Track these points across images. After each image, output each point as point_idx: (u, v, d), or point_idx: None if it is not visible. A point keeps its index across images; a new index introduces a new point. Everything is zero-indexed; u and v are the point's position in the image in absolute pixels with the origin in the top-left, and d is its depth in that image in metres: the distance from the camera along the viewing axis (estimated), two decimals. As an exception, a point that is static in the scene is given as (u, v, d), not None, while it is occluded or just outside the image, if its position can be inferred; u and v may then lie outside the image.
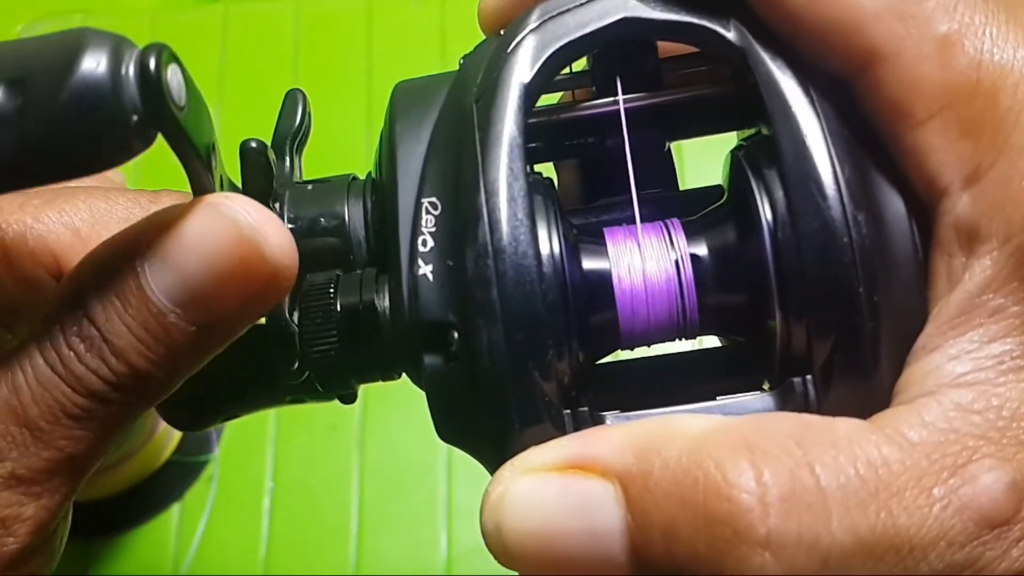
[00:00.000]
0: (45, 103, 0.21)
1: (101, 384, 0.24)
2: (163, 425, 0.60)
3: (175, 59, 0.23)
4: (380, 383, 0.29)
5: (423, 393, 0.27)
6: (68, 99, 0.21)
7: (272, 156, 0.28)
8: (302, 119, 0.30)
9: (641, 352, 0.28)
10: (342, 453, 0.64)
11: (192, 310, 0.24)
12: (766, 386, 0.26)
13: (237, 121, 0.72)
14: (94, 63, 0.21)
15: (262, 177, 0.27)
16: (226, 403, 0.29)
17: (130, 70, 0.22)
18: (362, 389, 0.29)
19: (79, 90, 0.21)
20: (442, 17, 0.77)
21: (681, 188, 0.30)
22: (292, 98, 0.30)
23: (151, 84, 0.22)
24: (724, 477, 0.21)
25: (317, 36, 0.78)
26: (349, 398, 0.29)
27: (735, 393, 0.25)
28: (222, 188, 0.26)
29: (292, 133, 0.30)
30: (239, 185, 0.28)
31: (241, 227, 0.24)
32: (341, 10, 0.79)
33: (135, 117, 0.22)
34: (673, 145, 0.30)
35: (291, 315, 0.27)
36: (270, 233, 0.24)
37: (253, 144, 0.26)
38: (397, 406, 0.64)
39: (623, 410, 0.26)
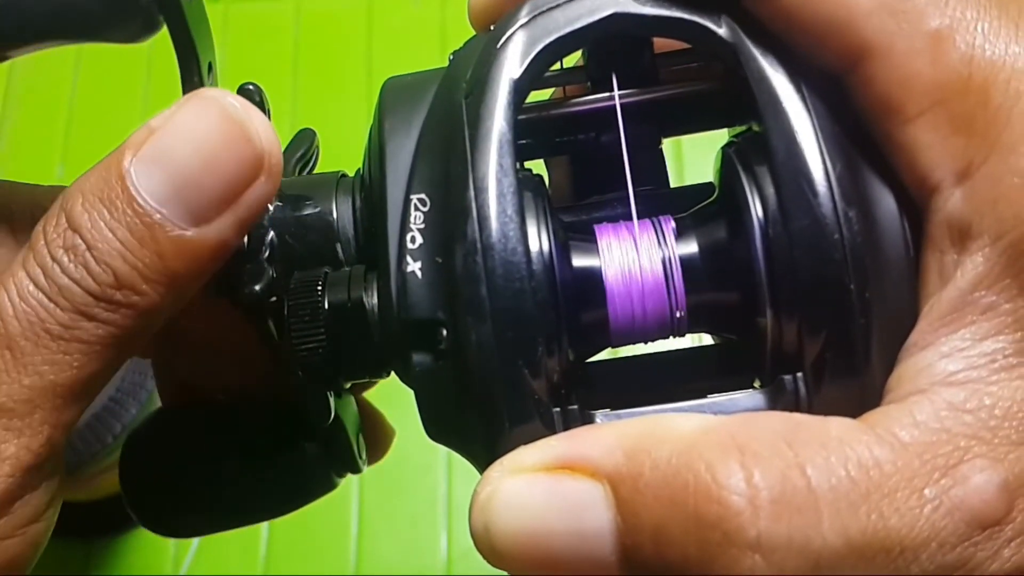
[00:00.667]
0: None
1: (85, 296, 0.23)
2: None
3: None
4: (383, 379, 0.29)
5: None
6: None
7: (267, 99, 0.28)
8: (307, 150, 0.30)
9: (631, 351, 0.28)
10: (342, 453, 0.64)
11: (180, 207, 0.24)
12: (757, 384, 0.26)
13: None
14: None
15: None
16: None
17: None
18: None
19: None
20: (442, 17, 0.77)
21: (675, 186, 0.30)
22: (302, 135, 0.31)
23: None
24: (714, 479, 0.21)
25: (317, 36, 0.78)
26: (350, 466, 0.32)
27: (726, 391, 0.25)
28: None
29: (296, 158, 0.30)
30: None
31: (227, 108, 0.24)
32: (341, 10, 0.79)
33: None
34: (673, 142, 0.30)
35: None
36: (255, 117, 0.25)
37: (251, 87, 0.26)
38: (397, 406, 0.64)
39: (614, 409, 0.26)
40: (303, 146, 0.31)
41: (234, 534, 0.63)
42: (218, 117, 0.24)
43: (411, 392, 0.28)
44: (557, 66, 0.27)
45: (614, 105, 0.27)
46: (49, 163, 0.74)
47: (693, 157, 0.58)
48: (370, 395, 0.67)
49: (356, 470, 0.32)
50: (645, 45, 0.28)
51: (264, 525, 0.63)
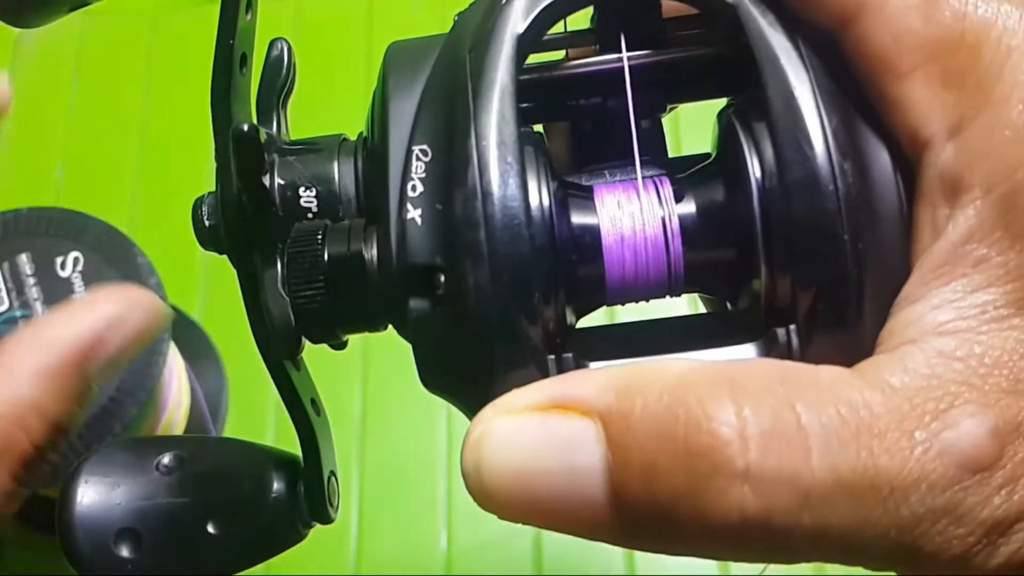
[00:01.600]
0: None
1: None
2: (163, 423, 0.60)
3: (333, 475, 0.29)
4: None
5: (423, 393, 0.27)
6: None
7: (263, 134, 0.28)
8: (287, 71, 0.30)
9: (624, 317, 0.28)
10: (342, 453, 0.63)
11: None
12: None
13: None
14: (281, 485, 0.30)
15: (256, 161, 0.27)
16: None
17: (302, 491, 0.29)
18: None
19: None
20: (442, 17, 0.76)
21: (673, 156, 0.30)
22: (275, 47, 0.30)
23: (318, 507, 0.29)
24: (704, 412, 0.21)
25: (317, 36, 0.78)
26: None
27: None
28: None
29: (278, 88, 0.30)
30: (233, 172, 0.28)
31: None
32: (341, 10, 0.79)
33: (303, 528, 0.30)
34: (671, 117, 0.30)
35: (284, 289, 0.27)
36: None
37: (245, 128, 0.26)
38: (397, 406, 0.64)
39: None
40: (280, 66, 0.30)
41: (234, 534, 0.63)
42: None
43: (411, 394, 0.28)
44: (562, 28, 0.27)
45: (618, 68, 0.27)
46: (49, 164, 0.74)
47: (690, 130, 0.58)
48: (371, 396, 0.67)
49: (326, 519, 0.30)
50: (654, 6, 0.28)
51: (264, 525, 0.63)
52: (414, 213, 0.25)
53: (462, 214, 0.24)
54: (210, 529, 0.29)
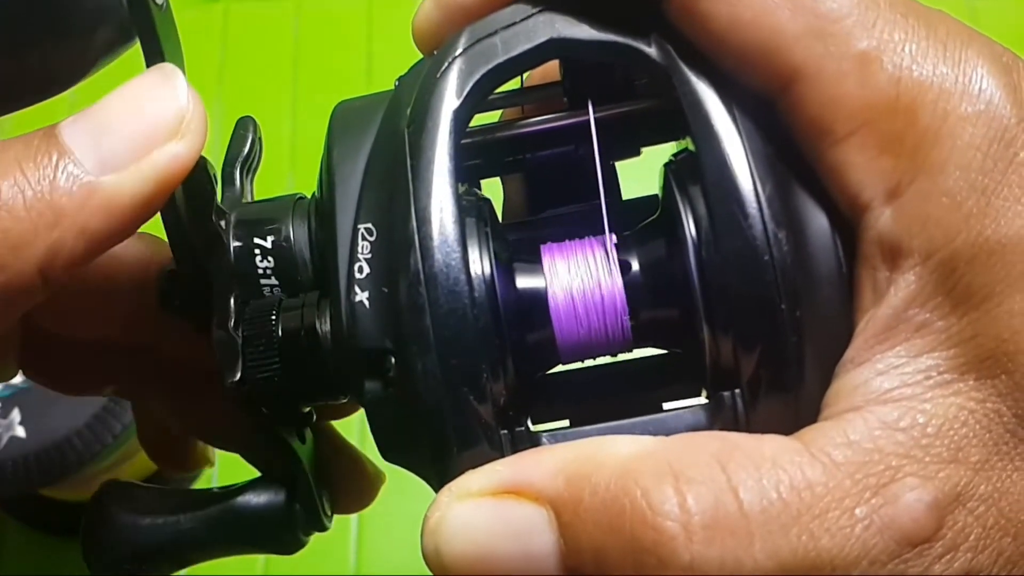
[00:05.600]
0: None
1: None
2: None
3: None
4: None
5: None
6: None
7: (214, 171, 0.28)
8: (252, 145, 0.31)
9: (588, 362, 0.29)
10: (342, 453, 0.64)
11: (91, 154, 0.24)
12: (704, 394, 0.27)
13: (235, 119, 0.72)
14: None
15: (205, 188, 0.28)
16: None
17: None
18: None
19: None
20: (442, 17, 0.77)
21: (627, 197, 0.31)
22: (243, 125, 0.31)
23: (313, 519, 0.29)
24: (649, 504, 0.22)
25: (317, 36, 0.78)
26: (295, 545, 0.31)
27: (681, 398, 0.26)
28: None
29: (243, 159, 0.30)
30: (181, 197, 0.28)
31: (162, 69, 0.26)
32: (341, 10, 0.79)
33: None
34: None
35: (237, 330, 0.27)
36: (184, 83, 0.26)
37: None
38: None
39: (572, 421, 0.27)
40: (245, 142, 0.31)
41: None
42: (150, 75, 0.26)
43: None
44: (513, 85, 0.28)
45: (567, 124, 0.28)
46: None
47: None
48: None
49: (321, 527, 0.31)
50: (607, 71, 0.28)
51: (264, 525, 0.63)
52: (362, 296, 0.25)
53: (407, 300, 0.24)
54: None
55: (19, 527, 0.61)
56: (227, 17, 0.78)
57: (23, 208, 0.24)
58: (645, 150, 0.31)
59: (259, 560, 0.62)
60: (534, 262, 0.27)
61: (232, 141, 0.30)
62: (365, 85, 0.75)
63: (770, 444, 0.22)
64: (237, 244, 0.28)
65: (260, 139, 0.31)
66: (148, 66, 0.26)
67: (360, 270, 0.25)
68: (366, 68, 0.76)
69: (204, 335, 0.28)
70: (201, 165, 0.27)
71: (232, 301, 0.27)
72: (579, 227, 0.27)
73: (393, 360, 0.25)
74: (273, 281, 0.28)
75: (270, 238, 0.28)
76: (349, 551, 0.62)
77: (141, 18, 0.26)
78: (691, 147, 0.25)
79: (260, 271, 0.28)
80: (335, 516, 0.32)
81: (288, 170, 0.72)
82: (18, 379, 0.60)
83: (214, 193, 0.28)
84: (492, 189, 0.30)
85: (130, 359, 0.35)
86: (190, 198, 0.28)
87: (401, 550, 0.62)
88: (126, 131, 0.25)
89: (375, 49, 0.77)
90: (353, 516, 0.62)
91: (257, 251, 0.28)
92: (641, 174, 0.32)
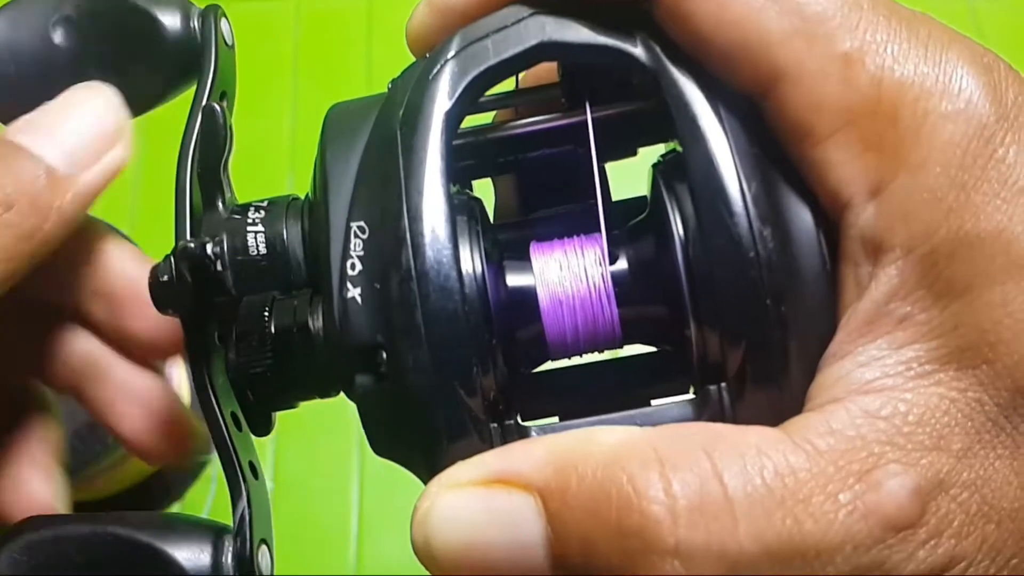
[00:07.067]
0: None
1: None
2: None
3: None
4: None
5: None
6: None
7: (230, 121, 0.29)
8: (223, 134, 0.30)
9: (579, 360, 0.29)
10: (342, 453, 0.64)
11: (67, 159, 0.30)
12: (692, 391, 0.27)
13: (236, 120, 0.72)
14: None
15: (218, 137, 0.29)
16: None
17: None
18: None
19: None
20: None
21: (617, 199, 0.31)
22: (210, 115, 0.30)
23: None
24: (635, 489, 0.22)
25: (317, 36, 0.78)
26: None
27: (670, 395, 0.26)
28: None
29: (217, 154, 0.30)
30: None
31: (102, 93, 0.31)
32: (341, 10, 0.79)
33: None
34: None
35: (220, 340, 0.28)
36: (118, 103, 0.31)
37: (191, 246, 0.27)
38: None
39: (562, 416, 0.27)
40: (217, 134, 0.29)
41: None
42: (83, 90, 0.31)
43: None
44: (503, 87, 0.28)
45: (551, 128, 0.29)
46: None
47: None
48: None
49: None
50: (602, 72, 0.28)
51: (264, 525, 0.63)
52: (354, 292, 0.26)
53: (398, 296, 0.25)
54: None
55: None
56: (227, 17, 0.78)
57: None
58: (641, 152, 0.31)
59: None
60: (524, 260, 0.27)
61: (205, 136, 0.29)
62: (365, 85, 0.75)
63: (755, 434, 0.23)
64: (231, 244, 0.28)
65: (230, 125, 0.30)
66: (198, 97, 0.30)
67: (352, 267, 0.26)
68: (366, 68, 0.76)
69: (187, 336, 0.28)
70: (200, 255, 0.27)
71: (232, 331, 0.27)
72: (570, 227, 0.28)
73: (384, 355, 0.25)
74: (260, 229, 0.28)
75: (264, 241, 0.28)
76: (349, 551, 0.62)
77: (210, 56, 0.30)
78: (678, 147, 0.25)
79: (256, 272, 0.28)
80: (335, 515, 0.31)
81: (288, 170, 0.72)
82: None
83: (227, 144, 0.29)
84: (484, 192, 0.30)
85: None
86: (204, 147, 0.29)
87: (401, 550, 0.62)
88: (89, 144, 0.30)
89: (375, 49, 0.77)
90: (353, 516, 0.62)
91: (252, 252, 0.28)
92: (636, 176, 0.32)
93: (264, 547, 0.28)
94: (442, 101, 0.26)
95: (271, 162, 0.72)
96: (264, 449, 0.64)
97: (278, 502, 0.63)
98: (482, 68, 0.26)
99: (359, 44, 0.77)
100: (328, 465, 0.64)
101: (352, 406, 0.36)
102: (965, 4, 0.76)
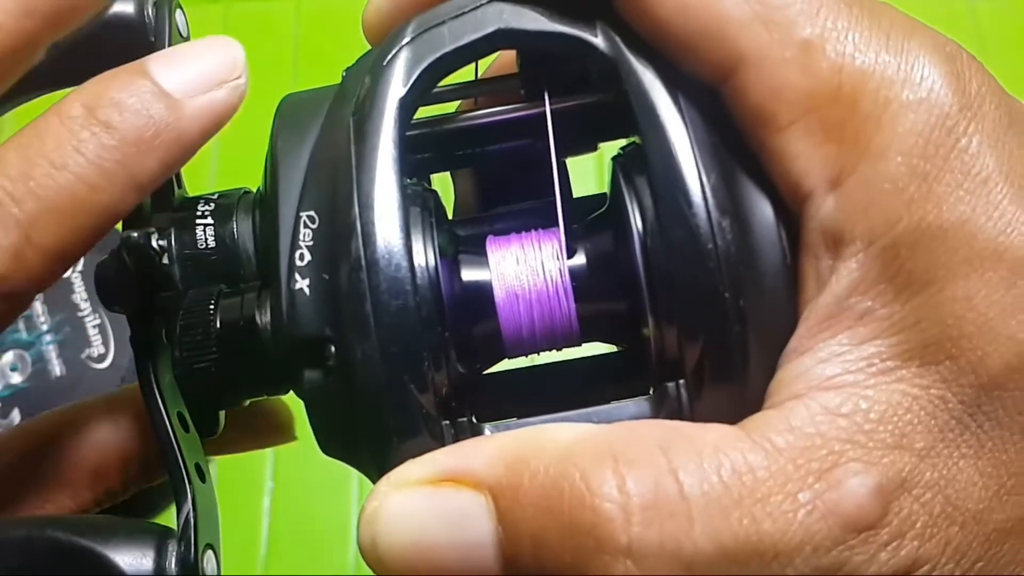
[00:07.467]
0: None
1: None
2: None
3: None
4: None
5: None
6: None
7: (155, 244, 0.28)
8: None
9: (534, 359, 0.28)
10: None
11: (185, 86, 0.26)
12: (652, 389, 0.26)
13: (236, 120, 0.72)
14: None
15: (150, 270, 0.27)
16: None
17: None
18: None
19: None
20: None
21: (577, 195, 0.30)
22: None
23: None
24: (588, 486, 0.21)
25: (317, 36, 0.78)
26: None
27: (627, 396, 0.25)
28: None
29: None
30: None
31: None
32: (341, 10, 0.79)
33: None
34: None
35: (168, 338, 0.27)
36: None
37: (135, 235, 0.26)
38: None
39: (519, 417, 0.26)
40: None
41: (234, 534, 0.63)
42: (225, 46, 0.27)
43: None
44: (460, 75, 0.27)
45: (509, 119, 0.28)
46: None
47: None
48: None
49: None
50: (562, 61, 0.28)
51: (264, 525, 0.63)
52: (302, 283, 0.25)
53: (347, 286, 0.24)
54: None
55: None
56: (227, 17, 0.78)
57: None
58: (605, 151, 0.31)
59: (259, 560, 0.62)
60: (480, 254, 0.26)
61: None
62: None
63: (712, 431, 0.22)
64: (180, 239, 0.28)
65: None
66: None
67: (301, 257, 0.25)
68: (366, 68, 0.76)
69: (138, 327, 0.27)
70: (144, 245, 0.27)
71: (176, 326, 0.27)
72: (528, 222, 0.27)
73: (333, 348, 0.24)
74: (209, 222, 0.28)
75: (214, 235, 0.28)
76: (349, 551, 0.62)
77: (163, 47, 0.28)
78: (638, 140, 0.25)
79: (205, 268, 0.28)
80: (335, 515, 0.31)
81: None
82: (18, 379, 0.60)
83: (161, 270, 0.28)
84: (444, 193, 0.30)
85: None
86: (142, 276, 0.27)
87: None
88: (208, 66, 0.26)
89: (375, 49, 0.77)
90: (353, 516, 0.62)
91: (201, 247, 0.28)
92: (598, 174, 0.32)
93: (210, 552, 0.26)
94: (396, 88, 0.25)
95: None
96: (264, 449, 0.64)
97: (278, 502, 0.63)
98: (438, 55, 0.25)
99: (359, 44, 0.77)
100: (328, 465, 0.63)
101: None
102: (965, 4, 0.76)
